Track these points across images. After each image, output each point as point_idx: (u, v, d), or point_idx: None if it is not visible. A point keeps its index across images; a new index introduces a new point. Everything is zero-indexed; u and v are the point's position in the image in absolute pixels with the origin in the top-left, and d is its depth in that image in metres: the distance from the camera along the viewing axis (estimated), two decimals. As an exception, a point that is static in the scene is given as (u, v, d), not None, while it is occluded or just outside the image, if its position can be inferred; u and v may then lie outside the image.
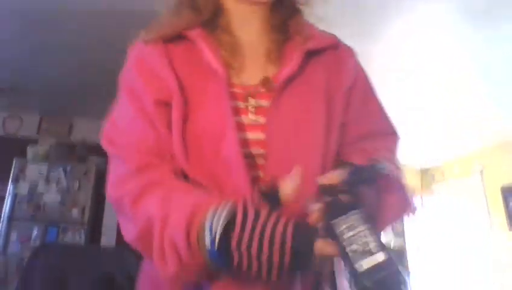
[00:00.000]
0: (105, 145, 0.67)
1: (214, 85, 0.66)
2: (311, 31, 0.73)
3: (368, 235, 0.45)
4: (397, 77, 3.21)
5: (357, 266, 0.43)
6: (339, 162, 0.68)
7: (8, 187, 3.34)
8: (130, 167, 0.62)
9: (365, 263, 0.43)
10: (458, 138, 4.49)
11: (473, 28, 2.51)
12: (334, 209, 0.48)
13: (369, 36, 2.63)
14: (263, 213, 0.50)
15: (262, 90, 0.68)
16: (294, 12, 0.75)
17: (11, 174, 3.37)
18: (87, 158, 3.83)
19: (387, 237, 5.53)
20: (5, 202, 3.31)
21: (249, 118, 0.66)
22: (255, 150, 0.65)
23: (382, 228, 0.65)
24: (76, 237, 3.33)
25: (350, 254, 0.44)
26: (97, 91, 3.71)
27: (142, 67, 0.69)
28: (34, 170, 3.43)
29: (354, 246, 0.44)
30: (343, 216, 0.47)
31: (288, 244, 0.47)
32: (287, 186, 0.53)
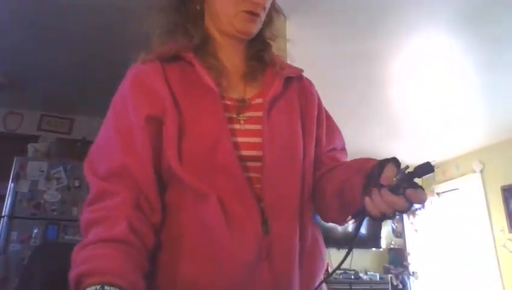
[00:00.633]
0: (85, 169, 0.72)
1: (208, 100, 0.76)
2: (282, 62, 0.90)
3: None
4: (397, 76, 3.20)
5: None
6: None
7: (9, 185, 3.33)
8: (90, 195, 0.67)
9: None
10: (458, 138, 4.49)
11: (473, 27, 2.51)
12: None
13: (368, 35, 2.62)
14: None
15: (254, 102, 0.81)
16: (266, 45, 0.91)
17: (12, 173, 3.37)
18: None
19: (387, 237, 5.54)
20: (6, 200, 3.30)
21: (241, 126, 0.78)
22: (248, 152, 0.75)
23: None
24: (77, 235, 3.33)
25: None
26: (98, 88, 3.71)
27: (137, 85, 0.77)
28: (35, 168, 3.43)
29: None
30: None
31: None
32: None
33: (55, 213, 3.33)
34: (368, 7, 2.30)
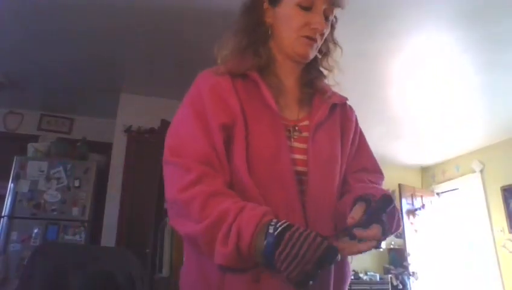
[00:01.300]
0: (168, 154, 0.82)
1: (269, 117, 0.87)
2: (331, 90, 1.01)
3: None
4: (397, 76, 3.20)
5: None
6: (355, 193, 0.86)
7: (9, 185, 3.33)
8: (191, 176, 0.76)
9: None
10: (458, 138, 4.48)
11: (473, 26, 2.50)
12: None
13: (368, 35, 2.62)
14: (305, 233, 0.65)
15: (302, 124, 0.92)
16: (319, 73, 1.03)
17: (12, 172, 3.36)
18: (88, 156, 3.82)
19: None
20: (6, 200, 3.30)
21: (291, 143, 0.88)
22: (300, 168, 0.86)
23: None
24: (77, 235, 3.33)
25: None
26: (98, 88, 3.71)
27: (213, 94, 0.86)
28: (35, 168, 3.42)
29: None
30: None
31: (315, 259, 0.62)
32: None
33: (55, 213, 3.33)
34: (368, 7, 2.30)
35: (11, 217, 3.24)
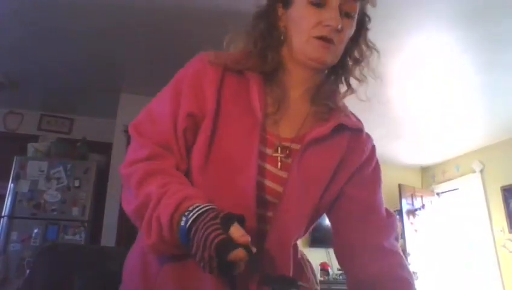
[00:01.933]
0: (131, 128, 0.80)
1: (250, 121, 0.77)
2: (346, 110, 0.88)
3: None
4: (397, 76, 3.20)
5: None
6: None
7: (9, 185, 3.33)
8: (143, 153, 0.75)
9: None
10: (458, 138, 4.48)
11: (473, 26, 2.50)
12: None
13: (368, 35, 2.61)
14: (214, 219, 0.60)
15: (294, 146, 0.80)
16: (335, 91, 0.88)
17: (12, 172, 3.36)
18: (88, 156, 3.82)
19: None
20: (6, 200, 3.30)
21: (272, 167, 0.78)
22: (269, 197, 0.78)
23: None
24: (77, 235, 3.33)
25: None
26: (98, 88, 3.71)
27: (194, 81, 0.80)
28: (35, 168, 3.42)
29: None
30: None
31: (213, 248, 0.57)
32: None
33: (55, 213, 3.33)
34: (368, 7, 2.30)
35: (11, 217, 3.24)
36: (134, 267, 0.80)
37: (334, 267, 4.68)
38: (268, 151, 0.79)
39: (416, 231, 5.34)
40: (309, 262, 0.96)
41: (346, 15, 0.81)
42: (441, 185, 5.36)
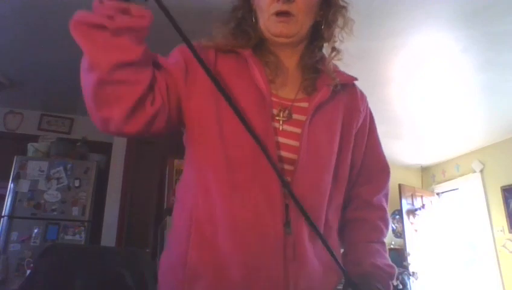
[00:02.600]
0: None
1: (257, 94, 0.80)
2: (336, 70, 0.90)
3: None
4: (397, 76, 3.20)
5: None
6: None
7: (9, 185, 3.33)
8: None
9: None
10: (458, 138, 4.48)
11: (472, 26, 2.50)
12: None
13: (368, 34, 2.62)
14: None
15: (299, 105, 0.84)
16: (320, 55, 0.92)
17: (12, 172, 3.36)
18: (88, 156, 3.83)
19: (387, 237, 5.53)
20: (6, 200, 3.30)
21: (279, 125, 0.81)
22: (287, 154, 0.79)
23: None
24: (77, 235, 3.33)
25: None
26: (98, 89, 3.71)
27: (185, 52, 0.82)
28: (35, 168, 3.42)
29: None
30: None
31: None
32: None
33: (55, 213, 3.34)
34: (368, 6, 2.30)
35: (11, 217, 3.24)
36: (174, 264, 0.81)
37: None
38: (275, 111, 0.82)
39: (416, 231, 5.34)
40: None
41: None
42: (441, 185, 5.36)
